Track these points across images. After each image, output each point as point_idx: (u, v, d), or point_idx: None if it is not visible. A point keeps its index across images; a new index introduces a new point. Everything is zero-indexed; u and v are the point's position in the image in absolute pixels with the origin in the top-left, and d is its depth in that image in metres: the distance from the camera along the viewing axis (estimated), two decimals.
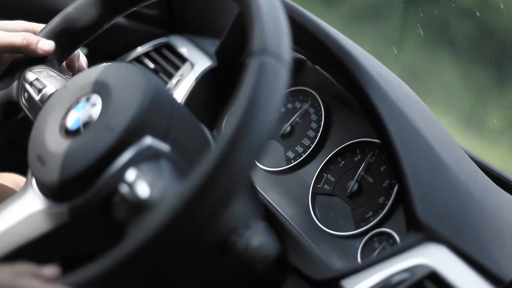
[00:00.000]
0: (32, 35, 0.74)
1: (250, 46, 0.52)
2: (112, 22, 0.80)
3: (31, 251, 0.59)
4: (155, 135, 0.57)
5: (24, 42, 0.73)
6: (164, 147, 0.56)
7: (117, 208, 0.53)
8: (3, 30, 0.74)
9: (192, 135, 0.64)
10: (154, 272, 0.45)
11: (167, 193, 0.51)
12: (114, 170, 0.55)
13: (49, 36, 0.77)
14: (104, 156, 0.56)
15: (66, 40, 0.78)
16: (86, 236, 0.60)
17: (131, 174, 0.53)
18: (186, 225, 0.45)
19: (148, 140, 0.56)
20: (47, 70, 0.74)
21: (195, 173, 0.46)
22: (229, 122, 0.48)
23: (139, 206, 0.51)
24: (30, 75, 0.73)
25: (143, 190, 0.51)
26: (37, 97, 0.71)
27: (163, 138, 0.57)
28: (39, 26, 0.78)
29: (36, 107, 0.71)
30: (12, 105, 0.76)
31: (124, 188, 0.52)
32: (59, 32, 0.77)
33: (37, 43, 0.74)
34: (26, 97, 0.73)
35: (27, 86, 0.73)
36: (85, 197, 0.56)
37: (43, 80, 0.72)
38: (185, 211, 0.45)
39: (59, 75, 0.74)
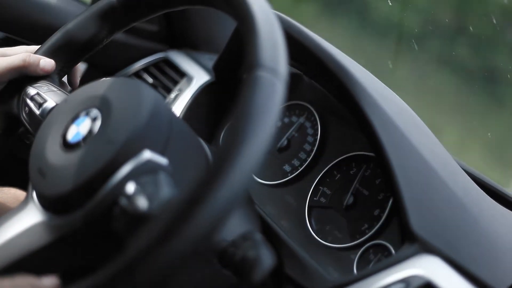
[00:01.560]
0: (32, 55, 0.75)
1: (247, 60, 0.53)
2: (112, 37, 0.81)
3: (31, 263, 0.60)
4: (153, 149, 0.58)
5: (25, 64, 0.74)
6: (163, 161, 0.57)
7: (116, 221, 0.53)
8: (2, 56, 0.75)
9: (190, 149, 0.65)
10: (153, 284, 0.46)
11: (165, 205, 0.52)
12: (113, 183, 0.56)
13: (49, 52, 0.77)
14: (104, 169, 0.56)
15: (66, 55, 0.79)
16: (85, 249, 0.61)
17: (130, 187, 0.54)
18: (185, 237, 0.46)
19: (147, 154, 0.57)
20: (48, 85, 0.75)
21: (194, 185, 0.47)
22: (226, 137, 0.49)
23: (138, 219, 0.51)
24: (31, 90, 0.74)
25: (142, 203, 0.52)
26: (37, 112, 0.72)
27: (162, 152, 0.58)
28: (31, 48, 0.78)
29: (36, 121, 0.71)
30: (12, 119, 0.76)
31: (123, 201, 0.53)
32: (59, 48, 0.78)
33: (37, 64, 0.75)
34: (27, 112, 0.73)
35: (28, 101, 0.73)
36: (85, 210, 0.57)
37: (44, 95, 0.73)
38: (183, 224, 0.46)
39: (60, 90, 0.75)
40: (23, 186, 0.81)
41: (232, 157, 0.47)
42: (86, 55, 0.81)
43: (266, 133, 0.49)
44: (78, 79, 0.83)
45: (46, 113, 0.71)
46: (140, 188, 0.53)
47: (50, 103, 0.72)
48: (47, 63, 0.76)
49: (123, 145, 0.57)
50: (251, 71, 0.52)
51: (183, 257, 0.46)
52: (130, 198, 0.53)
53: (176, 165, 0.59)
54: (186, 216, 0.46)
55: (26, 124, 0.75)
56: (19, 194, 0.86)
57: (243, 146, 0.47)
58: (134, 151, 0.57)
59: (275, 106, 0.50)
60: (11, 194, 0.86)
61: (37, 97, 0.73)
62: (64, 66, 0.80)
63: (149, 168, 0.56)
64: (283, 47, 0.55)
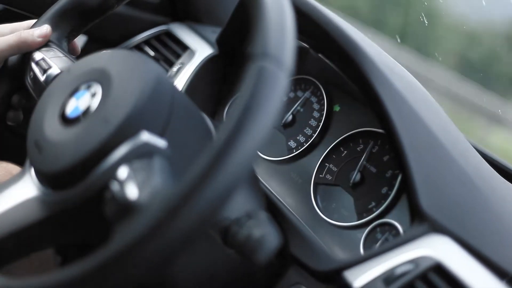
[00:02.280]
0: (23, 31, 0.74)
1: (252, 47, 0.51)
2: (122, 3, 0.79)
3: (23, 237, 0.59)
4: (152, 129, 0.56)
5: (21, 39, 0.73)
6: (161, 143, 0.55)
7: (107, 205, 0.52)
8: None
9: (193, 124, 0.63)
10: (139, 277, 0.44)
11: (155, 196, 0.50)
12: (106, 166, 0.54)
13: (58, 14, 0.77)
14: (97, 150, 0.55)
15: (76, 19, 0.78)
16: (78, 227, 0.59)
17: (123, 172, 0.52)
18: (172, 232, 0.44)
19: (145, 136, 0.55)
20: (54, 50, 0.74)
21: (184, 180, 0.45)
22: (223, 129, 0.46)
23: (126, 208, 0.50)
24: (37, 54, 0.73)
25: (132, 191, 0.50)
26: (42, 78, 0.71)
27: (161, 131, 0.56)
28: (26, 24, 0.78)
29: (40, 87, 0.71)
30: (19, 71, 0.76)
31: (115, 186, 0.51)
32: (69, 11, 0.77)
33: (33, 34, 0.74)
34: (32, 77, 0.73)
35: (33, 65, 0.73)
36: (77, 190, 0.56)
37: (49, 61, 0.72)
38: (171, 218, 0.44)
39: (66, 56, 0.74)
40: (19, 161, 0.80)
41: (228, 150, 0.45)
42: (96, 20, 0.80)
43: (265, 127, 0.47)
44: (79, 48, 0.82)
45: (50, 80, 0.70)
46: (132, 175, 0.51)
47: (54, 70, 0.71)
48: (42, 30, 0.75)
49: (119, 126, 0.55)
50: (255, 60, 0.50)
51: (172, 251, 0.44)
52: (121, 184, 0.51)
53: (177, 144, 0.57)
54: (175, 211, 0.44)
55: (30, 89, 0.74)
56: (11, 168, 0.85)
57: (241, 139, 0.45)
58: (131, 132, 0.55)
59: (277, 99, 0.48)
60: (2, 167, 0.85)
61: (42, 63, 0.72)
62: (73, 30, 0.79)
63: (145, 151, 0.54)
64: (292, 37, 0.52)
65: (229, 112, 0.47)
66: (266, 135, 0.47)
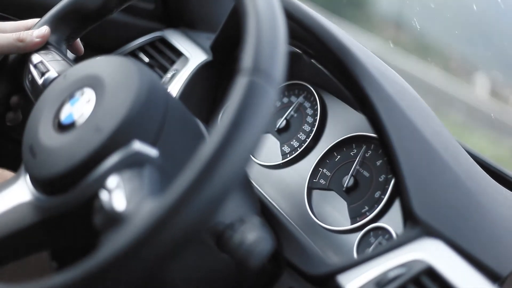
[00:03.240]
0: (23, 32, 0.75)
1: (242, 60, 0.51)
2: (122, 7, 0.80)
3: (16, 241, 0.59)
4: (144, 137, 0.56)
5: (19, 39, 0.74)
6: (152, 152, 0.55)
7: (96, 214, 0.52)
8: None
9: (186, 130, 0.63)
10: (127, 284, 0.44)
11: (142, 209, 0.49)
12: (97, 175, 0.54)
13: (58, 16, 0.77)
14: (89, 158, 0.55)
15: (75, 22, 0.78)
16: (70, 232, 0.59)
17: (112, 182, 0.52)
18: (156, 245, 0.44)
19: (136, 146, 0.55)
20: (53, 53, 0.75)
21: (171, 191, 0.45)
22: (211, 142, 0.46)
23: (113, 218, 0.50)
24: (35, 57, 0.74)
25: (119, 201, 0.50)
26: (40, 81, 0.71)
27: (154, 140, 0.56)
28: (30, 22, 0.78)
29: (38, 90, 0.71)
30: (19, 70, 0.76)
31: (104, 195, 0.51)
32: (69, 13, 0.78)
33: (31, 36, 0.74)
34: (30, 79, 0.73)
35: (32, 68, 0.73)
36: (68, 196, 0.56)
37: (47, 64, 0.72)
38: (156, 231, 0.44)
39: (64, 59, 0.74)
40: (13, 167, 0.80)
41: (214, 163, 0.45)
42: (95, 23, 0.81)
43: (252, 142, 0.47)
44: (82, 47, 0.84)
45: (47, 83, 0.70)
46: (121, 185, 0.52)
47: (52, 73, 0.71)
48: (41, 31, 0.75)
49: (111, 135, 0.55)
50: (244, 75, 0.49)
51: (156, 263, 0.44)
52: (110, 193, 0.51)
53: (170, 152, 0.57)
54: (160, 223, 0.44)
55: (28, 92, 0.74)
56: (7, 174, 0.85)
57: (227, 153, 0.45)
58: (123, 141, 0.55)
59: (265, 114, 0.48)
60: None
61: (40, 66, 0.72)
62: (72, 33, 0.79)
63: (136, 161, 0.54)
64: (283, 51, 0.52)
65: (216, 125, 0.47)
66: (253, 150, 0.47)
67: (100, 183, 0.54)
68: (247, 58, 0.50)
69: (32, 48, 0.75)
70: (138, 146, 0.55)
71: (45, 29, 0.76)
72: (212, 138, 0.46)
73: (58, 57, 0.74)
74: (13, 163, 0.78)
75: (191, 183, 0.44)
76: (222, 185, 0.45)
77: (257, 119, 0.47)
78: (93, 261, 0.44)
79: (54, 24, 0.77)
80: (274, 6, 0.54)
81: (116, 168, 0.54)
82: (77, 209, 0.56)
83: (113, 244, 0.44)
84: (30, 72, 0.73)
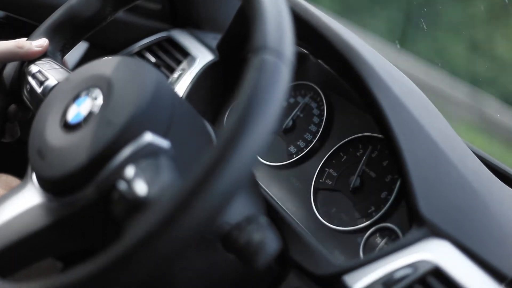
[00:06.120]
0: (22, 39, 0.75)
1: (252, 42, 0.52)
2: (116, 14, 0.79)
3: (29, 245, 0.59)
4: (155, 131, 0.56)
5: (18, 45, 0.74)
6: (164, 143, 0.56)
7: (115, 205, 0.52)
8: None
9: (193, 130, 0.64)
10: (151, 272, 0.45)
11: (165, 191, 0.50)
12: (113, 167, 0.55)
13: (52, 27, 0.77)
14: (103, 152, 0.55)
15: (69, 32, 0.78)
16: (84, 232, 0.60)
17: (129, 171, 0.53)
18: (184, 225, 0.44)
19: (148, 137, 0.55)
20: (50, 62, 0.75)
21: (194, 171, 0.45)
22: (229, 120, 0.47)
23: (136, 204, 0.50)
24: (33, 67, 0.74)
25: (141, 188, 0.51)
26: (39, 90, 0.71)
27: (164, 134, 0.57)
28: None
29: (38, 99, 0.71)
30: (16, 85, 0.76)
31: (122, 185, 0.52)
32: (62, 24, 0.77)
33: (30, 44, 0.75)
34: (28, 89, 0.73)
35: (29, 78, 0.73)
36: (84, 193, 0.56)
37: (45, 73, 0.72)
38: (183, 211, 0.44)
39: (62, 68, 0.74)
40: (17, 172, 0.80)
41: (235, 140, 0.46)
42: (90, 32, 0.80)
43: (270, 118, 0.47)
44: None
45: (47, 92, 0.70)
46: (140, 173, 0.52)
47: (51, 81, 0.71)
48: (39, 41, 0.76)
49: (123, 127, 0.55)
50: (256, 53, 0.50)
51: (183, 245, 0.45)
52: (129, 182, 0.52)
53: (179, 147, 0.57)
54: (186, 203, 0.44)
55: (27, 102, 0.74)
56: (11, 180, 0.85)
57: (247, 130, 0.46)
58: (135, 134, 0.55)
59: (280, 90, 0.49)
60: (2, 180, 0.86)
61: (38, 75, 0.72)
62: (67, 43, 0.79)
63: (150, 151, 0.55)
64: (290, 28, 0.53)
65: (234, 105, 0.48)
66: (274, 124, 0.47)
67: (117, 174, 0.54)
68: (256, 39, 0.51)
69: (31, 57, 0.75)
70: (150, 137, 0.56)
71: (43, 40, 0.76)
72: (233, 114, 0.47)
73: (56, 66, 0.74)
74: (16, 169, 0.78)
75: (215, 164, 0.45)
76: (249, 155, 0.46)
77: (274, 93, 0.48)
78: (123, 244, 0.45)
79: (50, 35, 0.77)
80: (280, 4, 0.55)
81: (132, 159, 0.54)
82: (93, 205, 0.56)
83: (143, 225, 0.45)
84: (28, 83, 0.73)
